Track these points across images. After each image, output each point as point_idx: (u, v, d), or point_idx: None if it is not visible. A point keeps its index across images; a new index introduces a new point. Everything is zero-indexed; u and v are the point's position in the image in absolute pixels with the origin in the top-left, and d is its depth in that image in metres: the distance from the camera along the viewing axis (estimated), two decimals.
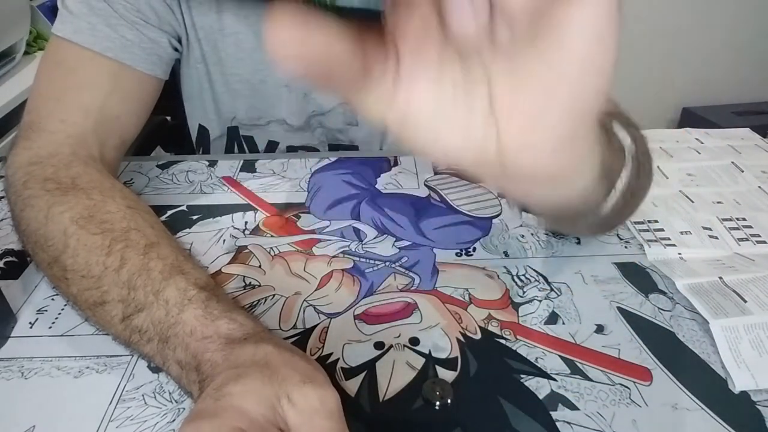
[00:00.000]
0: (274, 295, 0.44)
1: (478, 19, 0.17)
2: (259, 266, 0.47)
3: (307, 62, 0.17)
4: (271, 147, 0.69)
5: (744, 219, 0.53)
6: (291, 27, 0.17)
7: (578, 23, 0.17)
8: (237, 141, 0.70)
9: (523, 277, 0.46)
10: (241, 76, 0.62)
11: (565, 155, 0.22)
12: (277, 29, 0.17)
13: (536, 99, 0.19)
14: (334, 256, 0.48)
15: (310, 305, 0.43)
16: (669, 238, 0.50)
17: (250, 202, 0.56)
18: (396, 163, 0.63)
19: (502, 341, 0.40)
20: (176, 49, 0.58)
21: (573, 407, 0.35)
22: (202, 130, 0.70)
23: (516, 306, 0.43)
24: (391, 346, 0.39)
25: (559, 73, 0.19)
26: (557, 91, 0.19)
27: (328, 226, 0.52)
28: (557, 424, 0.34)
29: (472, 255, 0.48)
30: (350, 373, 0.37)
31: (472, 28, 0.17)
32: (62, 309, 0.42)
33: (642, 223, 0.52)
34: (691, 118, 1.95)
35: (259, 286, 0.45)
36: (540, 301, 0.43)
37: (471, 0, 0.17)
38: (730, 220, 0.53)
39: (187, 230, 0.52)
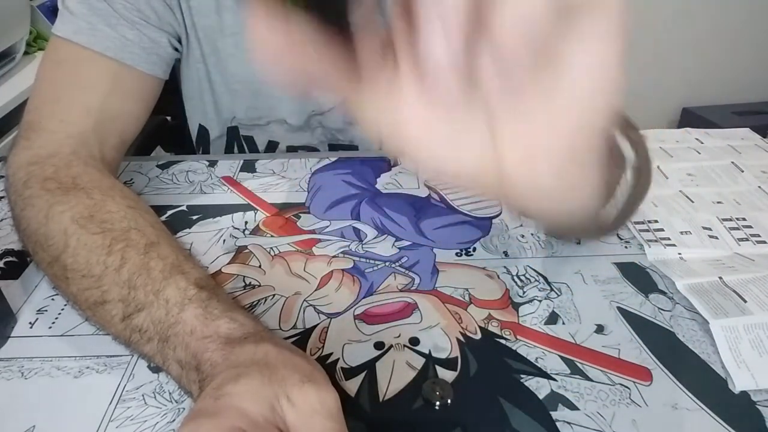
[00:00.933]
0: (274, 295, 0.44)
1: (451, 47, 0.16)
2: (259, 266, 0.47)
3: (290, 65, 0.17)
4: (271, 147, 0.70)
5: (744, 219, 0.53)
6: (272, 29, 0.16)
7: (580, 58, 0.17)
8: (237, 141, 0.70)
9: (523, 277, 0.46)
10: (241, 76, 0.62)
11: (566, 177, 0.21)
12: (258, 31, 0.16)
13: (536, 127, 0.19)
14: (334, 256, 0.48)
15: (310, 305, 0.43)
16: (669, 238, 0.50)
17: (250, 202, 0.56)
18: (396, 163, 0.62)
19: (502, 341, 0.40)
20: (176, 49, 0.58)
21: (573, 407, 0.35)
22: (202, 130, 0.70)
23: (516, 306, 0.43)
24: (391, 346, 0.39)
25: (560, 104, 0.18)
26: (558, 120, 0.19)
27: (328, 226, 0.52)
28: (557, 424, 0.34)
29: (472, 255, 0.48)
30: (350, 373, 0.37)
31: (442, 57, 0.16)
32: (62, 309, 0.42)
33: (642, 223, 0.52)
34: (691, 118, 1.95)
35: (259, 286, 0.45)
36: (540, 301, 0.43)
37: (443, 28, 0.15)
38: (730, 220, 0.53)
39: (187, 230, 0.52)
